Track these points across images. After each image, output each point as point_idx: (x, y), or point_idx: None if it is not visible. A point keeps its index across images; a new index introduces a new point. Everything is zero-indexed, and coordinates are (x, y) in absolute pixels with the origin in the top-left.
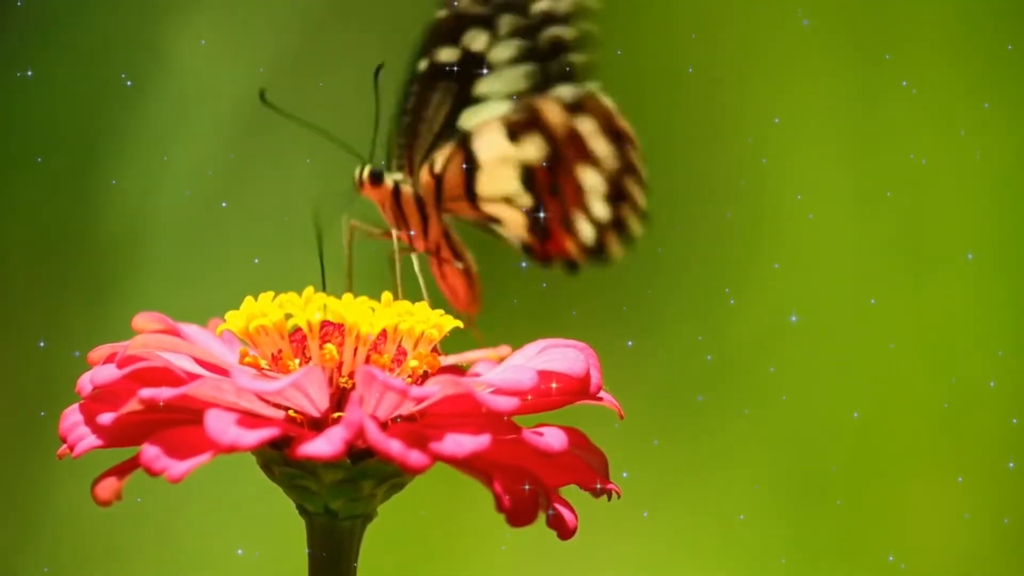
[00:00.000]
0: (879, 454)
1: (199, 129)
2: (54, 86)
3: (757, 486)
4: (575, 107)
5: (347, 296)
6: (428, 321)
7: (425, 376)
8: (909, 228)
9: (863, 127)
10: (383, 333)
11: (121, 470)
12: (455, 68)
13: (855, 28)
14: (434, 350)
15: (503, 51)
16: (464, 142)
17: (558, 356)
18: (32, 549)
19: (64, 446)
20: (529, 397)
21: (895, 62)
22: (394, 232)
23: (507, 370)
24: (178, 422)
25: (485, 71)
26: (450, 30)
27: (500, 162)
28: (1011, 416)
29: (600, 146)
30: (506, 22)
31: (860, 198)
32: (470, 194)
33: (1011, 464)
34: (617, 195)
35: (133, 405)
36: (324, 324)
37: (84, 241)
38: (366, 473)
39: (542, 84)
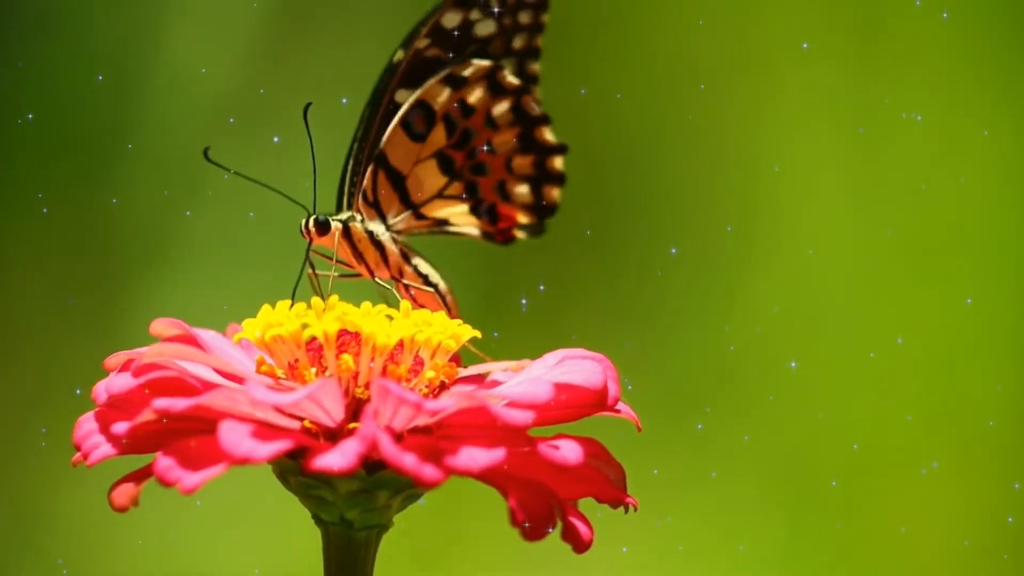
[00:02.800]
0: (879, 462)
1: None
2: (46, 81)
3: (756, 495)
4: (458, 81)
5: (365, 305)
6: (445, 331)
7: (442, 387)
8: (909, 250)
9: (864, 157)
10: (400, 343)
11: (138, 476)
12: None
13: (855, 56)
14: (455, 359)
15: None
16: (380, 160)
17: (576, 368)
18: (34, 554)
19: (78, 454)
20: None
21: (895, 95)
22: (363, 272)
23: (523, 383)
24: (193, 431)
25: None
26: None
27: (416, 164)
28: (1014, 454)
29: (498, 107)
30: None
31: (859, 215)
32: (408, 207)
33: (1016, 485)
34: (528, 145)
35: (147, 415)
36: (341, 334)
37: (93, 244)
38: (381, 484)
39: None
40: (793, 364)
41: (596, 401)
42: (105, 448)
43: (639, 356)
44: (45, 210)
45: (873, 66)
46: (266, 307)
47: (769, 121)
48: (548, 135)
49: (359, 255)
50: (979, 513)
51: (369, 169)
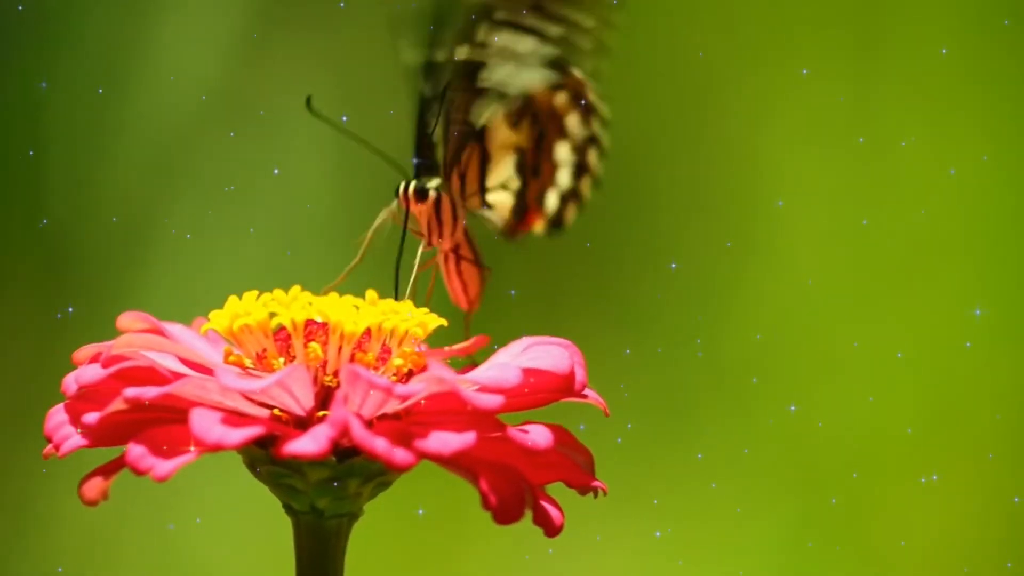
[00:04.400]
0: (879, 474)
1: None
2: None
3: (756, 493)
4: (556, 86)
5: (331, 294)
6: (412, 319)
7: (410, 374)
8: (908, 264)
9: (863, 171)
10: (367, 331)
11: (107, 470)
12: (476, 64)
13: (853, 73)
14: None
15: (516, 41)
16: (480, 138)
17: (542, 354)
18: (28, 552)
19: (50, 446)
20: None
21: (893, 114)
22: (434, 240)
23: (492, 368)
24: (163, 421)
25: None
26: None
27: (504, 151)
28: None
29: (572, 119)
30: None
31: (858, 228)
32: (481, 187)
33: (1016, 499)
34: (581, 166)
35: (118, 404)
36: (308, 323)
37: (80, 239)
38: (352, 471)
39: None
40: (792, 374)
41: (563, 386)
42: (76, 439)
43: (637, 363)
44: (45, 222)
45: (872, 82)
46: (233, 298)
47: (770, 134)
48: (597, 163)
49: (439, 223)
50: (980, 526)
51: (472, 144)
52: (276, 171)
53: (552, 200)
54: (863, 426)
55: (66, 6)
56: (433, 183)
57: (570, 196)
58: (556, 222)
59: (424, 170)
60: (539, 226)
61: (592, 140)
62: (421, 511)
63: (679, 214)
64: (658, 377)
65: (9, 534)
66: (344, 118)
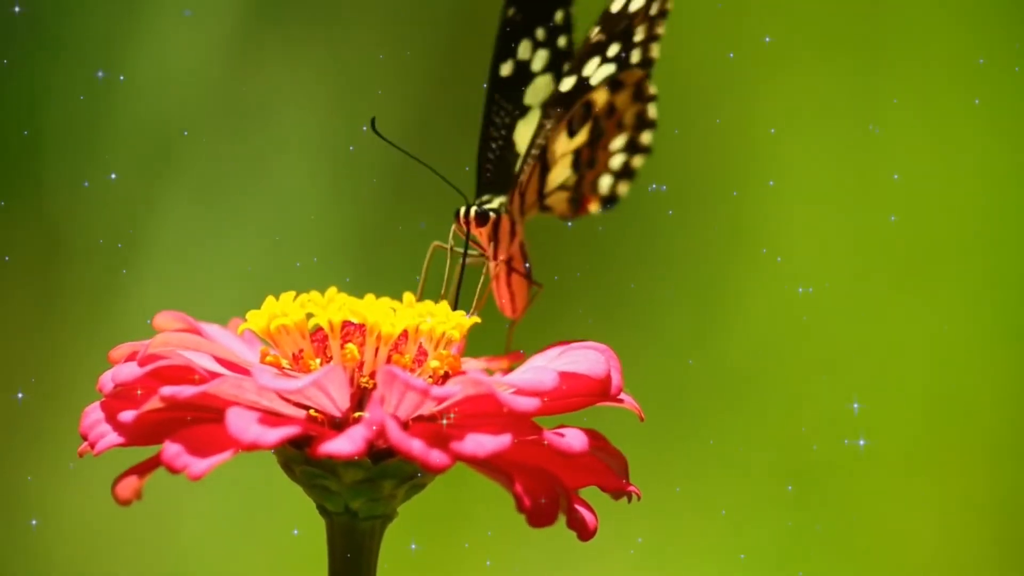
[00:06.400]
0: (876, 471)
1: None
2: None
3: (749, 489)
4: (616, 85)
5: (369, 296)
6: (449, 322)
7: (446, 377)
8: (907, 251)
9: (857, 175)
10: (404, 333)
11: (142, 469)
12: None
13: (850, 73)
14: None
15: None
16: (542, 155)
17: (579, 358)
18: (30, 553)
19: (85, 444)
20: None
21: (888, 114)
22: (489, 257)
23: (529, 371)
24: (199, 420)
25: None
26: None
27: (562, 158)
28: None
29: (629, 113)
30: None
31: (859, 212)
32: (540, 196)
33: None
34: (633, 147)
35: (154, 403)
36: (345, 324)
37: (76, 237)
38: (386, 473)
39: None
40: (791, 374)
41: (600, 390)
42: (112, 437)
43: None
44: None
45: (869, 80)
46: (270, 298)
47: (770, 134)
48: (648, 140)
49: (496, 242)
50: (980, 526)
51: (533, 163)
52: (272, 172)
53: (606, 183)
54: (859, 423)
55: (62, 8)
56: (494, 204)
57: (623, 174)
58: (610, 200)
59: (490, 186)
60: (594, 207)
61: (647, 124)
62: (414, 546)
63: (679, 214)
64: (655, 379)
65: (10, 534)
66: (364, 128)
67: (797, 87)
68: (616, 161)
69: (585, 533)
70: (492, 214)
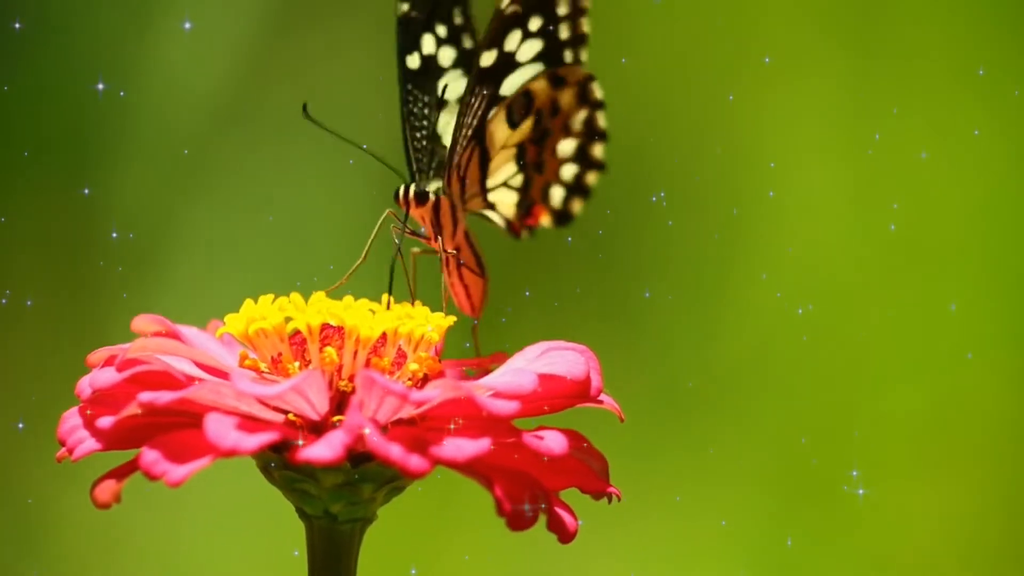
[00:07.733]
0: (874, 472)
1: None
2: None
3: (747, 495)
4: (558, 81)
5: (347, 299)
6: (427, 324)
7: (425, 379)
8: (910, 257)
9: (857, 180)
10: (383, 336)
11: (120, 473)
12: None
13: (849, 80)
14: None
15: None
16: (479, 137)
17: (558, 359)
18: (32, 555)
19: (63, 449)
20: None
21: (887, 124)
22: (435, 243)
23: (507, 373)
24: (178, 426)
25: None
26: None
27: (503, 150)
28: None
29: (577, 116)
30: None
31: (860, 211)
32: (482, 188)
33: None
34: (583, 158)
35: (132, 409)
36: (324, 327)
37: (90, 244)
38: (366, 477)
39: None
40: (790, 374)
41: (579, 391)
42: (90, 443)
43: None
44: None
45: (868, 89)
46: (248, 302)
47: (768, 119)
48: (600, 153)
49: (438, 227)
50: (979, 526)
51: (471, 145)
52: (289, 175)
53: (557, 194)
54: (857, 424)
55: (62, 25)
56: (433, 186)
57: (575, 189)
58: (563, 215)
59: (423, 173)
60: (545, 220)
61: (597, 134)
62: (414, 571)
63: (679, 213)
64: (656, 390)
65: (10, 535)
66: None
67: (798, 105)
68: (567, 172)
69: (565, 536)
70: (432, 196)
